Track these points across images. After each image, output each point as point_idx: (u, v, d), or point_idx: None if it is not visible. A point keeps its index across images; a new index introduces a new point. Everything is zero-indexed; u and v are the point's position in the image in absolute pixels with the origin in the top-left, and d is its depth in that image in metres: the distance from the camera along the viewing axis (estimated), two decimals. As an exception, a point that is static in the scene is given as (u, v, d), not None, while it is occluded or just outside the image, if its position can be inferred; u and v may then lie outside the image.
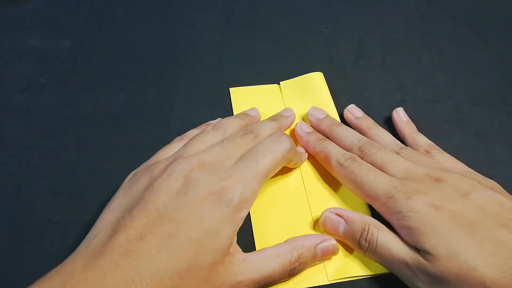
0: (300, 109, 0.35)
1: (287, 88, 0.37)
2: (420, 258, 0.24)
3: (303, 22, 0.43)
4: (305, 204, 0.30)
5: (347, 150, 0.30)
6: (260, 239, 0.29)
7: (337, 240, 0.27)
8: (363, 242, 0.26)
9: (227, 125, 0.30)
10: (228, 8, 0.44)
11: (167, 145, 0.29)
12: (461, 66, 0.39)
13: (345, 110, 0.34)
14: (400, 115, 0.34)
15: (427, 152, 0.31)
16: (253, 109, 0.34)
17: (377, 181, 0.27)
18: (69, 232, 0.29)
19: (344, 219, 0.27)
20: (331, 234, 0.28)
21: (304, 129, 0.33)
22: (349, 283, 0.27)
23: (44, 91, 0.37)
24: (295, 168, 0.32)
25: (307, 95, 0.36)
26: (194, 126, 0.32)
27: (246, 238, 0.29)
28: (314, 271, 0.27)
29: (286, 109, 0.34)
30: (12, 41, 0.41)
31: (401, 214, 0.25)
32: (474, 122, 0.36)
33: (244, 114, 0.33)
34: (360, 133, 0.32)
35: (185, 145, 0.28)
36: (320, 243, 0.27)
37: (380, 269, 0.27)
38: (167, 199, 0.24)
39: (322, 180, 0.31)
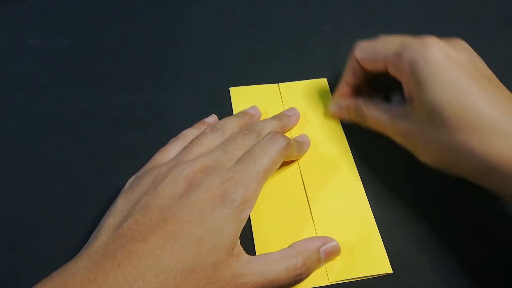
0: (300, 110, 0.35)
1: (286, 89, 0.37)
2: None
3: (304, 21, 0.43)
4: (305, 204, 0.30)
5: None
6: (259, 240, 0.28)
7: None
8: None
9: (225, 125, 0.30)
10: (228, 7, 0.44)
11: (163, 148, 0.29)
12: (461, 66, 0.39)
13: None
14: None
15: None
16: (253, 107, 0.34)
17: None
18: (69, 232, 0.29)
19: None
20: None
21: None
22: (349, 283, 0.27)
23: (43, 91, 0.37)
24: (295, 169, 0.32)
25: (307, 98, 0.36)
26: (194, 126, 0.32)
27: (245, 239, 0.28)
28: (315, 272, 0.27)
29: (290, 109, 0.34)
30: (10, 40, 0.41)
31: None
32: (474, 122, 0.35)
33: (243, 113, 0.33)
34: None
35: (184, 148, 0.28)
36: (323, 245, 0.27)
37: (381, 270, 0.27)
38: (171, 202, 0.24)
39: (322, 180, 0.31)
